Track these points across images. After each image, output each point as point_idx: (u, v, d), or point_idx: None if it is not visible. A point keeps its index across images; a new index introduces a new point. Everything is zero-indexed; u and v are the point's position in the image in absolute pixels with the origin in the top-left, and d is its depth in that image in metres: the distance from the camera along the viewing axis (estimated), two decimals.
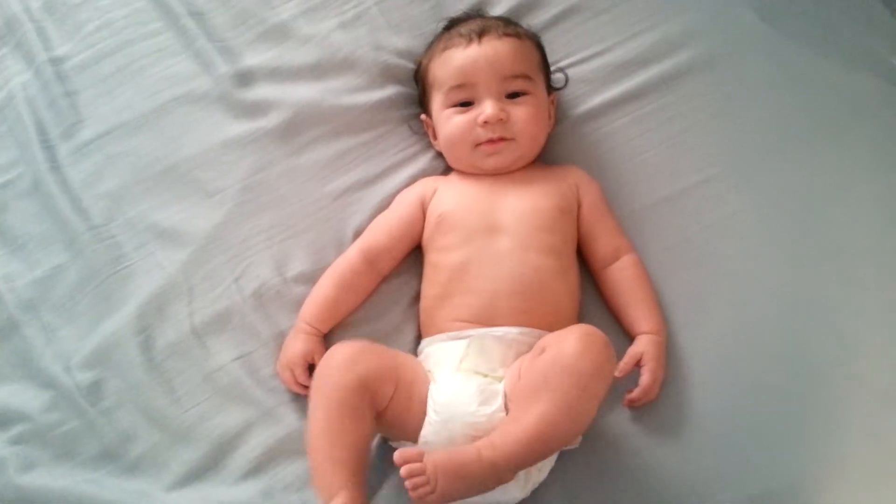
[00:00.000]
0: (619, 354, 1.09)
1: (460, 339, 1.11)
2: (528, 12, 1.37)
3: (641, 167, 1.29)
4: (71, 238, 1.27)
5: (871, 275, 1.20)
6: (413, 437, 1.06)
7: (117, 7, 1.42)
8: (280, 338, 1.19)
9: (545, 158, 1.29)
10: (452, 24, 1.31)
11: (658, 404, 1.13)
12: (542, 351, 1.02)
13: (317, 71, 1.35)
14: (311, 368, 1.14)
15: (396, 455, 0.94)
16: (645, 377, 1.11)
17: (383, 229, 1.23)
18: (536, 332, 1.10)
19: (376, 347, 1.09)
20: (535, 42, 1.28)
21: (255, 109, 1.32)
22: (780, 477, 1.08)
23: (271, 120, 1.31)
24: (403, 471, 0.93)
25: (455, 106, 1.22)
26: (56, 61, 1.39)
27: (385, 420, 1.06)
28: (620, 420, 1.12)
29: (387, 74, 1.34)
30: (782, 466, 1.09)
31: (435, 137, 1.28)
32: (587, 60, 1.35)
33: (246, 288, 1.22)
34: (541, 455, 1.00)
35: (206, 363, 1.18)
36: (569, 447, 1.08)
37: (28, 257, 1.27)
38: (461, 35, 1.23)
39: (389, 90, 1.33)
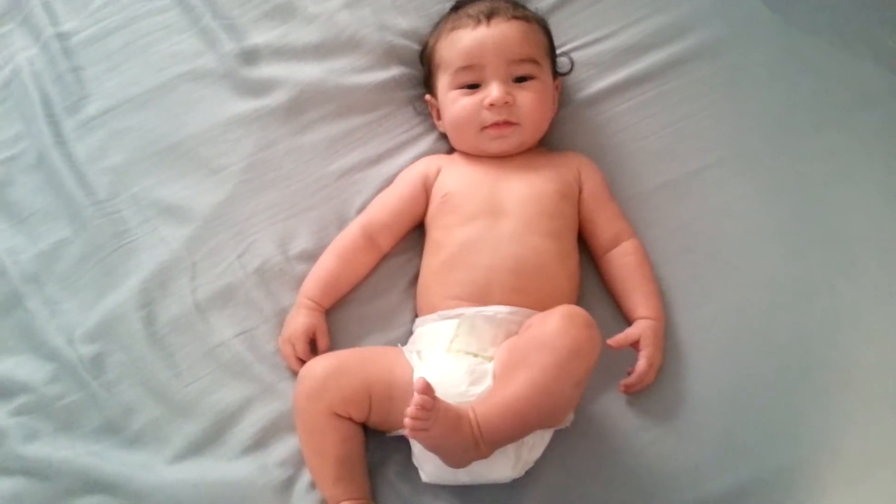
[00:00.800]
0: None
1: (451, 318, 1.11)
2: None
3: (644, 152, 1.29)
4: (75, 212, 1.27)
5: (872, 262, 1.20)
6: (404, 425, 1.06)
7: None
8: (282, 314, 1.19)
9: (547, 142, 1.29)
10: (460, 4, 1.30)
11: (654, 389, 1.13)
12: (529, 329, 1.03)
13: (322, 50, 1.35)
14: (312, 344, 1.15)
15: (417, 381, 0.92)
16: (641, 362, 1.11)
17: (384, 206, 1.23)
18: (527, 311, 1.09)
19: (346, 363, 1.09)
20: (542, 26, 1.28)
21: (260, 87, 1.33)
22: (773, 463, 1.09)
23: (276, 98, 1.31)
24: (416, 398, 0.91)
25: (461, 87, 1.22)
26: (62, 37, 1.39)
27: (372, 422, 1.08)
28: (617, 403, 1.13)
29: (391, 55, 1.34)
30: (776, 453, 1.09)
31: (439, 118, 1.28)
32: (591, 45, 1.35)
33: (249, 265, 1.22)
34: (518, 431, 0.99)
35: (209, 338, 1.18)
36: (560, 426, 1.07)
37: (32, 231, 1.28)
38: (470, 16, 1.23)
39: (394, 71, 1.33)
